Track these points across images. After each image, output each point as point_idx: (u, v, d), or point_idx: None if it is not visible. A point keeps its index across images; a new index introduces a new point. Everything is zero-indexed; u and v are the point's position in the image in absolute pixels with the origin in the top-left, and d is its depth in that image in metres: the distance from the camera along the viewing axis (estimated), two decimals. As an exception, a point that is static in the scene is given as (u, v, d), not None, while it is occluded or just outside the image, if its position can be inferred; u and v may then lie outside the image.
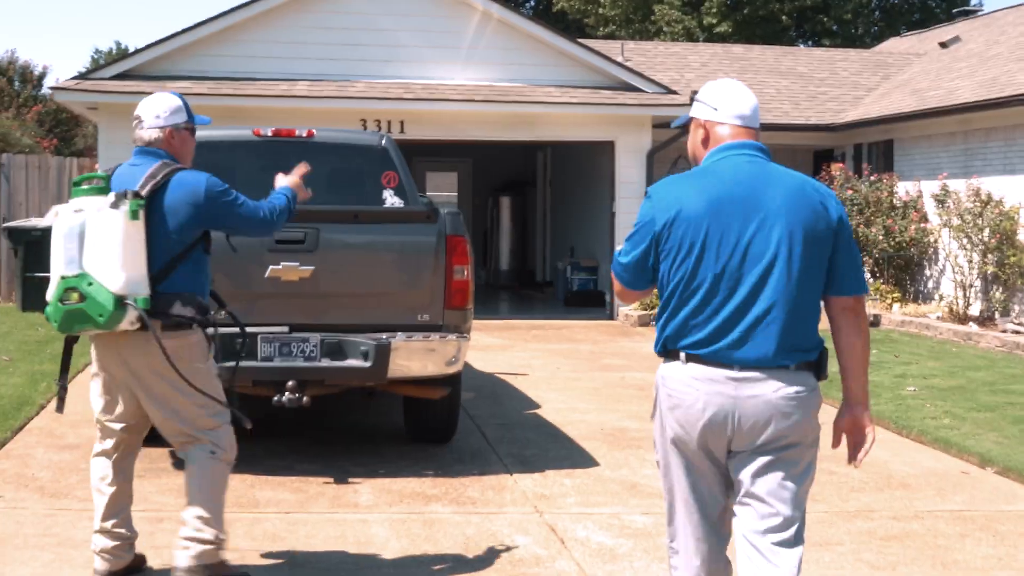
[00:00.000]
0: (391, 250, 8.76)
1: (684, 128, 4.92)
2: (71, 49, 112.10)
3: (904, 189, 22.24)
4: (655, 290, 4.77)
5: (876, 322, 19.74)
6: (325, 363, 8.55)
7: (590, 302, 22.36)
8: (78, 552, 6.65)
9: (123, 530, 6.31)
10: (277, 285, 8.50)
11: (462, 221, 8.90)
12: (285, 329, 8.53)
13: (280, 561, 6.77)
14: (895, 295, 21.23)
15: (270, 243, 8.44)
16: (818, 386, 4.61)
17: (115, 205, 5.79)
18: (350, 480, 8.62)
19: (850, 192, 22.00)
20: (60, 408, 6.42)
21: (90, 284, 5.71)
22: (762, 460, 4.54)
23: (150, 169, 6.04)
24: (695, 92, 4.81)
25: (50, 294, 5.83)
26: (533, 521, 7.72)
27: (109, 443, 6.29)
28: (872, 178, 22.40)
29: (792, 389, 4.48)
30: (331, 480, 8.61)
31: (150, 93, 6.23)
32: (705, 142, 4.72)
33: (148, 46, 20.50)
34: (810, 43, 46.56)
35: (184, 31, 20.48)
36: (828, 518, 7.92)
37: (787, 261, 4.45)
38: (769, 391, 4.46)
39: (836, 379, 4.71)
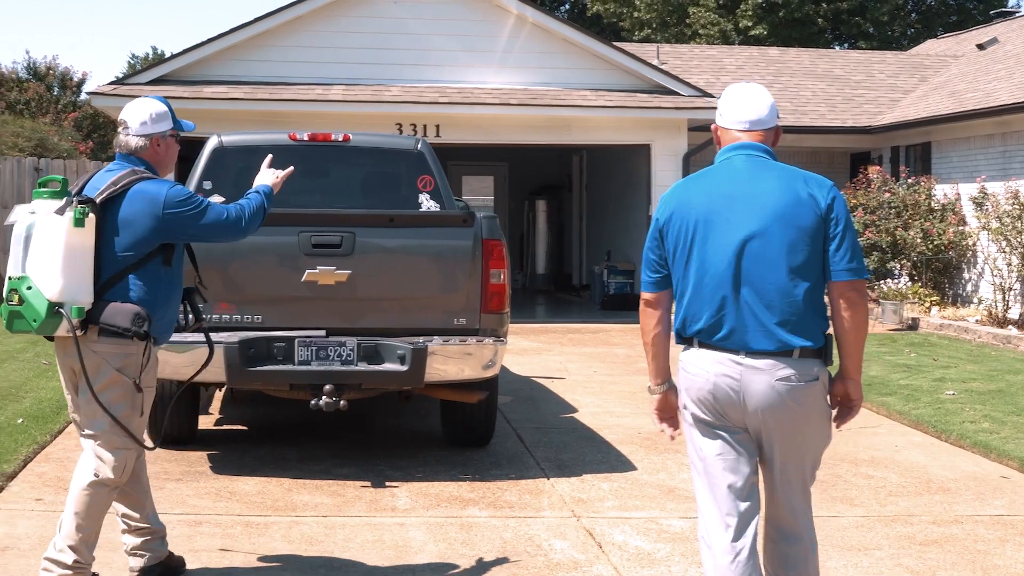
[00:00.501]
0: (427, 254, 8.75)
1: None
2: (109, 55, 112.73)
3: (942, 192, 22.13)
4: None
5: (915, 325, 19.66)
6: (362, 367, 8.55)
7: (627, 306, 22.30)
8: (117, 555, 6.66)
9: (147, 525, 6.31)
10: (314, 289, 8.52)
11: (498, 225, 8.90)
12: (322, 333, 8.54)
13: (318, 565, 6.77)
14: (933, 298, 21.11)
15: (307, 247, 8.46)
16: (824, 371, 4.91)
17: (60, 211, 5.72)
18: (387, 484, 8.63)
19: (888, 195, 21.91)
20: None
21: (29, 288, 5.68)
22: (774, 448, 4.89)
23: (115, 176, 5.98)
24: (706, 98, 5.14)
25: (4, 293, 5.79)
26: (570, 525, 7.71)
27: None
28: (910, 181, 22.31)
29: (794, 374, 4.78)
30: (368, 484, 8.62)
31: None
32: (719, 144, 5.11)
33: (184, 51, 20.60)
34: (846, 45, 46.43)
35: (220, 36, 20.57)
36: (867, 523, 7.88)
37: (776, 251, 4.76)
38: (771, 377, 4.77)
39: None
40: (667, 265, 5.01)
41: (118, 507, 6.28)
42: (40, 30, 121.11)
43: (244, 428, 10.70)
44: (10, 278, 5.76)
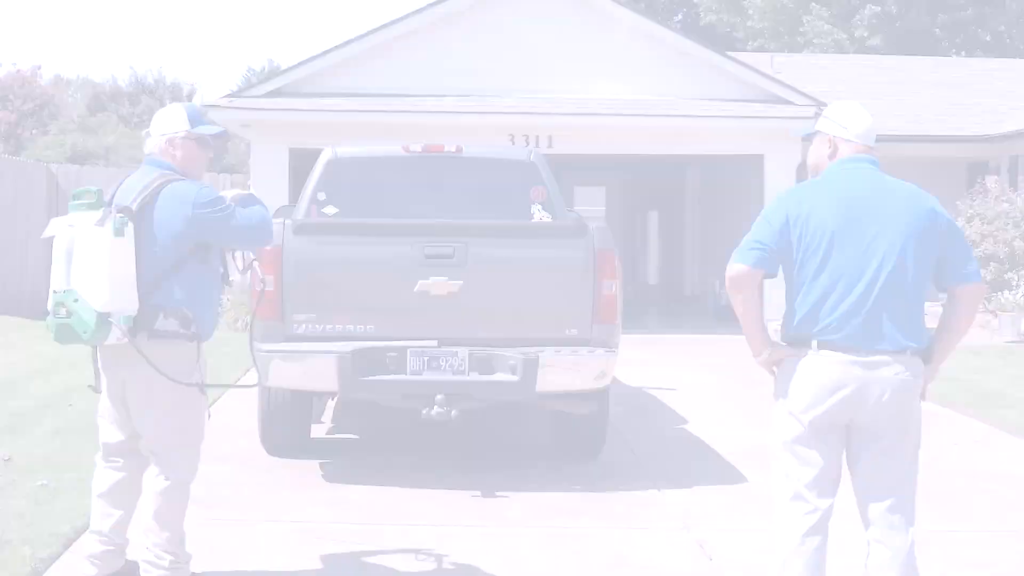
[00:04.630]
0: (539, 264, 8.76)
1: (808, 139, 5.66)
2: (224, 67, 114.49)
3: (1063, 202, 21.69)
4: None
5: (1033, 337, 19.33)
6: (473, 377, 8.57)
7: (739, 317, 22.09)
8: (228, 563, 6.74)
9: (116, 537, 6.23)
10: (426, 299, 8.55)
11: (611, 235, 8.88)
12: (434, 343, 8.57)
13: (428, 574, 6.79)
14: (1053, 311, 20.69)
15: (419, 257, 8.50)
16: (922, 368, 5.26)
17: (101, 223, 5.77)
18: (498, 494, 8.64)
19: (1006, 205, 21.51)
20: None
21: (76, 300, 5.71)
22: (883, 439, 5.20)
23: (146, 180, 6.02)
24: (820, 108, 5.26)
25: (49, 306, 5.83)
26: (681, 538, 7.67)
27: (110, 447, 6.25)
28: (1029, 191, 21.91)
29: (908, 372, 5.16)
30: (479, 494, 8.63)
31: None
32: (832, 155, 5.44)
33: (299, 64, 20.82)
34: (963, 55, 45.72)
35: (334, 49, 20.76)
36: (985, 538, 7.74)
37: (905, 259, 5.13)
38: (891, 373, 5.12)
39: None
40: (776, 252, 5.22)
41: (102, 506, 6.22)
42: (158, 45, 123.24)
43: (356, 437, 10.77)
44: (55, 291, 5.81)
